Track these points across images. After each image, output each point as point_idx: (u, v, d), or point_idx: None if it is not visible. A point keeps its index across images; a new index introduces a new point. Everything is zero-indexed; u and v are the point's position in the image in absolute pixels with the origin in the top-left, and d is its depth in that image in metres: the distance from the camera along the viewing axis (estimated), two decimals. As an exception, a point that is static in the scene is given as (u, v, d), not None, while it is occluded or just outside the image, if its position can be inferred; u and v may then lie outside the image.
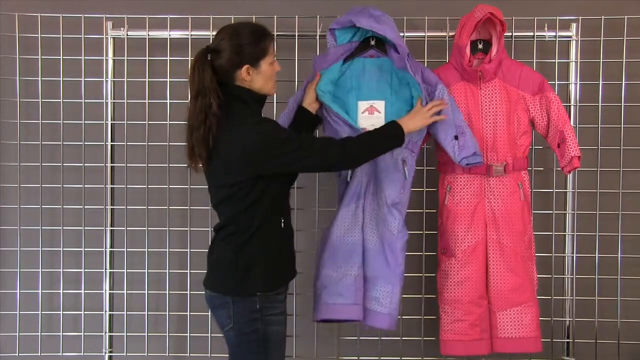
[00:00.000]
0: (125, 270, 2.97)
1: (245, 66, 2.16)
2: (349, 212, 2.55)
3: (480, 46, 2.62)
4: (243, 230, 2.18)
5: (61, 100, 2.96)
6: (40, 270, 3.00)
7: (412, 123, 2.39)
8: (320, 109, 2.57)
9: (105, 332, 2.96)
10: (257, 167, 2.12)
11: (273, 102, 2.86)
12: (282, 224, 2.24)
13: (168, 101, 2.92)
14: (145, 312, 2.98)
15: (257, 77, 2.20)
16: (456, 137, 2.49)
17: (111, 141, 2.95)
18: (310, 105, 2.53)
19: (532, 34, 2.85)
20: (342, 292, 2.49)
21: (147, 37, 2.91)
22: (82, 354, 3.01)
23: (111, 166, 2.95)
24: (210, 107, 2.11)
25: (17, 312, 3.00)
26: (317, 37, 2.85)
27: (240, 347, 2.19)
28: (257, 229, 2.17)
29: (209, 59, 2.16)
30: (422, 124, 2.43)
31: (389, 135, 2.34)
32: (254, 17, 2.82)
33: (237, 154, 2.11)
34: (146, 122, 2.95)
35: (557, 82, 2.86)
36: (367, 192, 2.55)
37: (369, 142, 2.30)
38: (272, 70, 2.24)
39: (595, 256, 2.92)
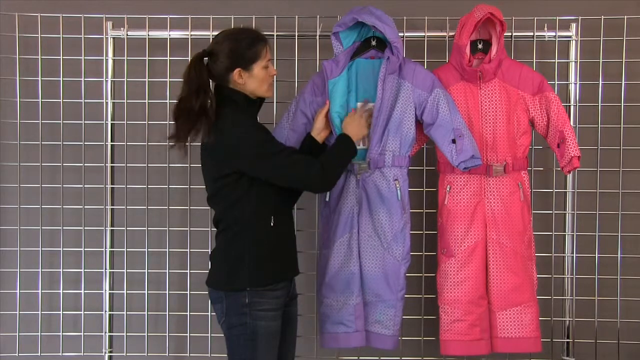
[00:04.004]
0: (125, 270, 2.97)
1: (238, 69, 2.21)
2: (343, 244, 2.54)
3: (480, 46, 2.62)
4: (232, 226, 2.23)
5: (61, 100, 2.96)
6: (40, 270, 3.00)
7: (356, 132, 2.43)
8: (330, 136, 2.53)
9: (105, 332, 2.96)
10: (237, 163, 2.17)
11: (273, 102, 2.86)
12: (272, 223, 2.24)
13: (168, 101, 2.92)
14: (145, 312, 2.98)
15: (250, 80, 2.24)
16: (454, 141, 2.48)
17: (111, 141, 2.95)
18: (319, 134, 2.50)
19: (532, 34, 2.84)
20: (343, 321, 2.54)
21: (147, 37, 2.91)
22: (82, 354, 3.01)
23: (111, 166, 2.95)
24: (206, 104, 2.18)
25: (17, 312, 3.00)
26: (317, 37, 2.85)
27: (231, 340, 2.24)
28: (245, 225, 2.21)
29: (205, 61, 2.23)
30: (363, 133, 2.47)
31: (348, 149, 2.38)
32: (254, 17, 2.82)
33: (222, 148, 2.17)
34: (146, 122, 2.95)
35: (557, 82, 2.86)
36: (361, 219, 2.53)
37: (339, 160, 2.33)
38: (265, 74, 2.26)
39: (595, 256, 2.92)
